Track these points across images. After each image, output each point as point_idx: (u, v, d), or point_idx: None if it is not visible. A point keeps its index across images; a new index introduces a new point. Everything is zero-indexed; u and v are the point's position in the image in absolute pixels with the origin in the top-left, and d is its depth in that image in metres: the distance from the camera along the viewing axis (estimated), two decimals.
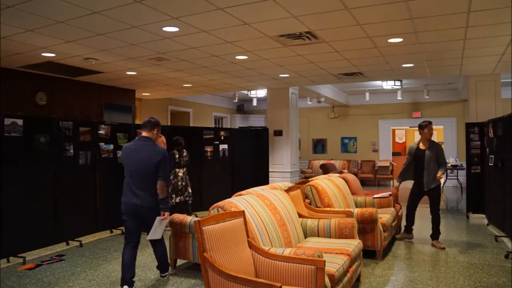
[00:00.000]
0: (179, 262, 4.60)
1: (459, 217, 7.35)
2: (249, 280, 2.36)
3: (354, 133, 14.16)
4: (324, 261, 2.66)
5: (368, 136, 13.93)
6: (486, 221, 6.59)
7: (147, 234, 3.80)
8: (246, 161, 9.06)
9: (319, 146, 14.72)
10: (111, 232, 6.29)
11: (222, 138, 8.61)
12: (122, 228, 6.40)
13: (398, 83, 9.98)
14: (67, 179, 5.55)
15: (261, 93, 11.09)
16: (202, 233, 2.52)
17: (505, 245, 5.15)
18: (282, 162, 9.50)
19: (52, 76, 7.62)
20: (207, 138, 8.28)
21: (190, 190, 6.61)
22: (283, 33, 5.00)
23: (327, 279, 2.73)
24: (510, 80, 9.46)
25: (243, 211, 3.04)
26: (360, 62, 6.70)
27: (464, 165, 7.78)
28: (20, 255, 4.80)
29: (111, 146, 6.29)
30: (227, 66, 6.92)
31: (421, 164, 5.19)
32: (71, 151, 5.63)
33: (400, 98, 11.93)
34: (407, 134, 18.02)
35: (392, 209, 5.42)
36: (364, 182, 11.78)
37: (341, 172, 6.73)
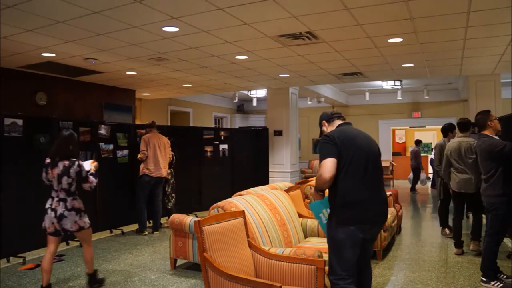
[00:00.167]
0: (179, 262, 4.60)
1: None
2: (249, 280, 2.36)
3: None
4: (324, 261, 2.66)
5: None
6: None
7: None
8: (246, 161, 9.06)
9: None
10: (111, 232, 6.29)
11: (222, 138, 8.61)
12: (122, 228, 6.42)
13: (398, 83, 9.98)
14: None
15: (261, 93, 11.08)
16: (202, 233, 2.52)
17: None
18: (282, 162, 9.49)
19: (52, 76, 7.62)
20: (207, 138, 8.29)
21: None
22: (283, 33, 5.00)
23: (327, 279, 2.73)
24: (510, 80, 9.46)
25: (243, 211, 3.04)
26: (360, 62, 6.70)
27: None
28: (20, 255, 4.80)
29: (111, 146, 6.29)
30: (227, 66, 6.92)
31: None
32: None
33: (400, 98, 11.93)
34: (407, 134, 18.03)
35: (392, 209, 5.42)
36: None
37: None
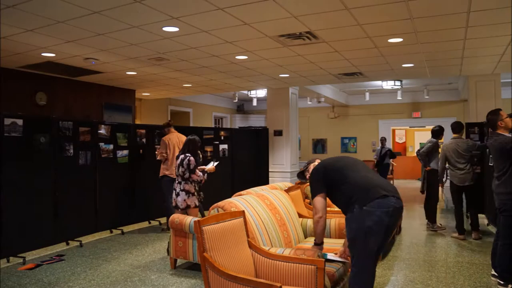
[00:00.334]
0: (179, 262, 4.60)
1: None
2: (249, 280, 2.36)
3: (354, 133, 14.16)
4: (324, 261, 2.66)
5: (368, 136, 13.93)
6: (486, 221, 6.58)
7: None
8: (246, 161, 9.06)
9: (319, 146, 14.73)
10: (111, 232, 6.29)
11: (222, 138, 8.61)
12: (122, 228, 6.42)
13: (398, 83, 9.97)
14: (67, 179, 5.55)
15: (261, 93, 11.08)
16: (202, 233, 2.52)
17: None
18: (282, 162, 9.49)
19: (52, 76, 7.62)
20: (207, 138, 8.29)
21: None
22: (283, 33, 5.00)
23: (327, 279, 2.74)
24: (510, 80, 9.46)
25: (243, 211, 3.04)
26: (360, 62, 6.69)
27: None
28: (20, 255, 4.80)
29: (111, 146, 6.29)
30: (227, 66, 6.92)
31: None
32: (71, 151, 5.63)
33: (400, 98, 11.92)
34: (407, 134, 18.04)
35: None
36: None
37: None
